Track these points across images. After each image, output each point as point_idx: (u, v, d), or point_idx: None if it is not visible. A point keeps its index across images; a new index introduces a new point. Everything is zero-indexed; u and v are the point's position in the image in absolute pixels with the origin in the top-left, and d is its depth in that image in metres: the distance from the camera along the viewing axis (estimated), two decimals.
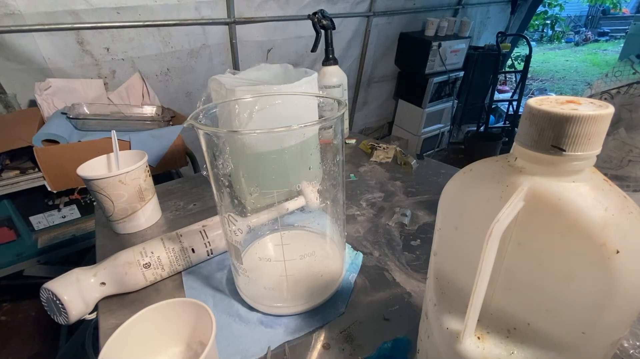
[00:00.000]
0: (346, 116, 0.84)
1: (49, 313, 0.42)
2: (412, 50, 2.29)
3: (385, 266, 0.48)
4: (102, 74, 1.36)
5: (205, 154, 0.36)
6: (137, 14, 1.32)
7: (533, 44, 4.66)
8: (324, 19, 0.86)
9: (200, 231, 0.49)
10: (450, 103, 2.53)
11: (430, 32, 2.26)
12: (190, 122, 0.33)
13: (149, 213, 0.59)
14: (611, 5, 7.76)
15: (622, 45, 3.26)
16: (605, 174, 0.21)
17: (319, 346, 0.37)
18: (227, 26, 1.55)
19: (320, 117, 0.53)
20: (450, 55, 2.30)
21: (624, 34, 7.17)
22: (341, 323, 0.40)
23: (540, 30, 8.18)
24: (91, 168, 0.57)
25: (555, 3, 6.72)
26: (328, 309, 0.42)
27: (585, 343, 0.19)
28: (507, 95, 2.86)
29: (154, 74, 1.48)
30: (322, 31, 0.87)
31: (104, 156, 0.59)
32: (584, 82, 5.12)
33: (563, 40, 8.22)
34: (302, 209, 0.47)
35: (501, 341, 0.21)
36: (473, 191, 0.21)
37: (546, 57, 6.84)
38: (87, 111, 1.13)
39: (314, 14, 0.87)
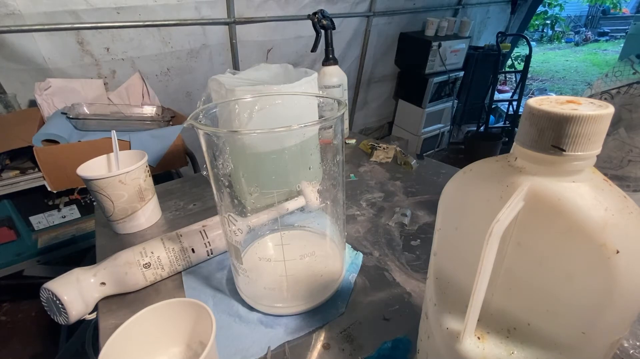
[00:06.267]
0: (346, 116, 0.84)
1: (49, 313, 0.42)
2: (412, 50, 2.29)
3: (385, 266, 0.48)
4: (102, 74, 1.36)
5: (205, 154, 0.36)
6: (137, 14, 1.32)
7: (533, 44, 4.66)
8: (324, 19, 0.86)
9: (200, 231, 0.49)
10: (450, 103, 2.54)
11: (430, 32, 2.26)
12: (190, 122, 0.33)
13: (149, 213, 0.59)
14: (611, 5, 7.76)
15: (622, 45, 3.26)
16: (605, 174, 0.21)
17: (319, 346, 0.37)
18: (227, 26, 1.55)
19: (320, 117, 0.53)
20: (450, 55, 2.30)
21: (624, 34, 7.17)
22: (341, 323, 0.40)
23: (540, 30, 8.19)
24: (91, 168, 0.57)
25: (555, 3, 6.72)
26: (328, 309, 0.42)
27: (585, 343, 0.19)
28: (507, 95, 2.86)
29: (154, 74, 1.48)
30: (322, 31, 0.87)
31: (104, 156, 0.59)
32: (584, 82, 5.12)
33: (563, 40, 8.23)
34: (302, 209, 0.47)
35: (501, 341, 0.21)
36: (473, 191, 0.21)
37: (546, 57, 6.84)
38: (87, 111, 1.13)
39: (314, 14, 0.87)
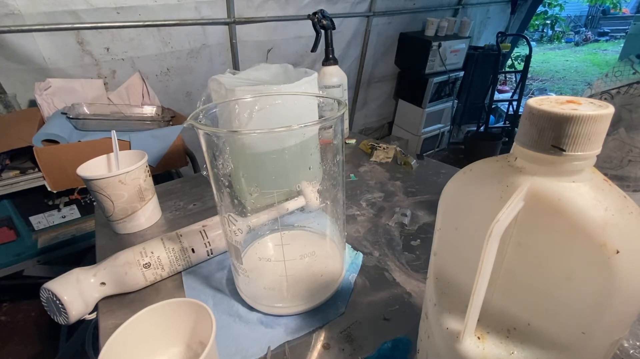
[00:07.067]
0: (346, 116, 0.84)
1: (49, 313, 0.42)
2: (412, 50, 2.29)
3: (385, 266, 0.48)
4: (102, 74, 1.36)
5: (205, 154, 0.36)
6: (137, 14, 1.32)
7: (533, 44, 4.66)
8: (324, 19, 0.86)
9: (200, 231, 0.49)
10: (450, 103, 2.54)
11: (430, 32, 2.26)
12: (190, 122, 0.33)
13: (149, 213, 0.59)
14: (611, 5, 7.76)
15: (622, 45, 3.26)
16: (605, 174, 0.21)
17: (319, 346, 0.37)
18: (227, 26, 1.55)
19: (320, 117, 0.53)
20: (450, 55, 2.30)
21: (624, 34, 7.17)
22: (341, 323, 0.40)
23: (540, 30, 8.19)
24: (91, 168, 0.57)
25: (555, 3, 6.72)
26: (328, 309, 0.42)
27: (585, 343, 0.19)
28: (507, 95, 2.87)
29: (154, 74, 1.48)
30: (322, 31, 0.87)
31: (104, 156, 0.59)
32: (584, 82, 5.12)
33: (563, 40, 8.23)
34: (302, 209, 0.47)
35: (501, 341, 0.21)
36: (473, 191, 0.21)
37: (546, 57, 6.84)
38: (87, 111, 1.13)
39: (314, 14, 0.87)
